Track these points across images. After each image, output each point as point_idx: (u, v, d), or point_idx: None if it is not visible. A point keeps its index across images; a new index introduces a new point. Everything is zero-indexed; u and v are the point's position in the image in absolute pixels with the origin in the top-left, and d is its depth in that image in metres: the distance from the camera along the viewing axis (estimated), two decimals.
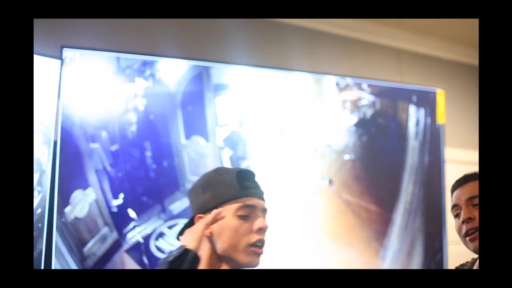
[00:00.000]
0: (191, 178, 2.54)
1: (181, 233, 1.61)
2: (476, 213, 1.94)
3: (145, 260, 2.37)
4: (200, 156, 2.58)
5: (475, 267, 1.99)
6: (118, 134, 2.37)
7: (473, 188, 2.00)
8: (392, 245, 2.75)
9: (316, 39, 3.45)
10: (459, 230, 1.97)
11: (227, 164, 2.61)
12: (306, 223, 2.61)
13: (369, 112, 2.95)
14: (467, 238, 1.93)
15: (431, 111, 3.17)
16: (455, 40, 4.17)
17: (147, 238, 2.39)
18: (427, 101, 3.17)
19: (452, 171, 3.85)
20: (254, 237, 1.56)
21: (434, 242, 2.92)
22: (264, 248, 1.59)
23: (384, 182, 2.83)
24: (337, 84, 2.91)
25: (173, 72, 2.52)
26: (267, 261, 2.56)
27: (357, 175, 2.74)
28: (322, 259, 2.62)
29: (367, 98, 2.96)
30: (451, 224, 3.30)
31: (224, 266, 1.56)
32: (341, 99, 2.90)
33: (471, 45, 4.30)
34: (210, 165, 2.55)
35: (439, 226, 2.99)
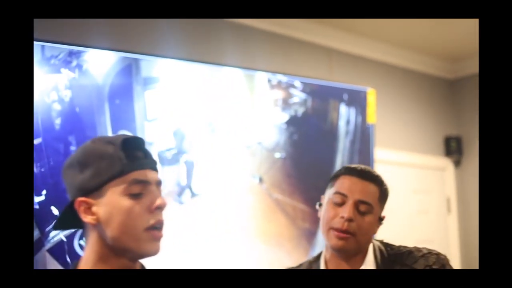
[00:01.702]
0: None
1: (56, 224, 1.41)
2: (357, 217, 1.98)
3: (68, 259, 2.34)
4: None
5: (307, 267, 2.03)
6: (41, 127, 2.33)
7: (368, 191, 2.04)
8: (321, 244, 2.82)
9: (248, 35, 3.49)
10: (330, 219, 1.97)
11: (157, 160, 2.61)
12: (235, 221, 2.64)
13: (300, 110, 3.01)
14: (335, 233, 1.97)
15: (362, 111, 3.27)
16: (386, 41, 4.31)
17: (70, 237, 2.36)
18: (358, 101, 3.27)
19: (381, 171, 3.98)
20: (152, 219, 1.35)
21: None
22: (164, 231, 1.37)
23: (315, 181, 2.89)
24: (269, 81, 2.96)
25: (101, 63, 2.50)
26: (195, 259, 2.58)
27: (288, 173, 2.80)
28: (252, 258, 2.66)
29: (298, 96, 3.03)
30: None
31: (119, 260, 1.34)
32: (272, 96, 2.95)
33: (402, 47, 4.45)
34: None
35: None
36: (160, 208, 1.35)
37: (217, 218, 2.67)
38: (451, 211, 4.92)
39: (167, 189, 2.64)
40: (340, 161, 3.00)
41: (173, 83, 2.69)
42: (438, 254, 2.08)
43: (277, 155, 2.76)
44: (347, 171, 2.05)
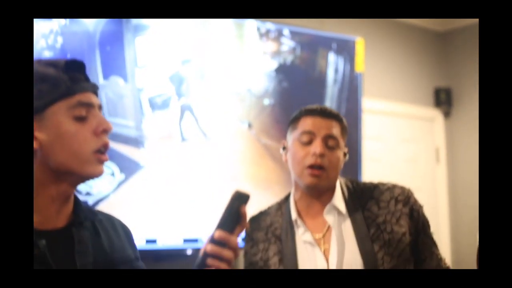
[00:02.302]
0: (109, 119, 2.60)
1: None
2: (329, 154, 2.08)
3: None
4: (118, 97, 2.64)
5: None
6: None
7: (332, 127, 2.13)
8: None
9: None
10: (302, 158, 2.07)
11: (147, 107, 2.68)
12: (224, 166, 2.72)
13: (289, 58, 3.07)
14: (308, 171, 2.07)
15: (350, 59, 3.33)
16: None
17: None
18: (346, 50, 3.33)
19: (369, 121, 4.07)
20: (98, 142, 1.35)
21: None
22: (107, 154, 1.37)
23: None
24: (258, 29, 3.01)
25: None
26: (189, 208, 2.66)
27: (276, 119, 2.87)
28: None
29: (287, 44, 3.09)
30: (366, 171, 3.52)
31: (60, 186, 1.34)
32: (261, 44, 3.01)
33: None
34: (128, 106, 2.62)
35: (355, 173, 3.18)
36: (106, 131, 1.35)
37: (206, 162, 2.75)
38: (440, 161, 5.02)
39: (158, 134, 2.71)
40: None
41: (163, 30, 2.74)
42: (402, 187, 2.20)
43: (266, 101, 2.83)
44: (308, 112, 2.14)
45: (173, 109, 2.72)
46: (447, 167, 5.08)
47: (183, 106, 2.74)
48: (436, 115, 5.03)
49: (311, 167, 2.03)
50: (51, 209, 1.36)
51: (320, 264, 2.10)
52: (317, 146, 2.03)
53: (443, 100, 5.04)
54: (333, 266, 2.08)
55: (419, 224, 2.15)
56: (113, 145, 2.63)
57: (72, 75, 1.33)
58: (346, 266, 2.09)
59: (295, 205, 2.16)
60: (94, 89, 1.38)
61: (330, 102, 3.11)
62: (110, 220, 1.54)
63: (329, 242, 2.11)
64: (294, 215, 2.15)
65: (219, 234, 1.41)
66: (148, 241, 2.70)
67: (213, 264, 1.40)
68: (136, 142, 2.68)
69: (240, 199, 1.45)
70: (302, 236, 2.13)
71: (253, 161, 2.78)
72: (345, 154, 2.13)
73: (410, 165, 4.71)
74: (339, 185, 2.16)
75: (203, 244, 1.45)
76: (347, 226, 2.11)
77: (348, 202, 2.13)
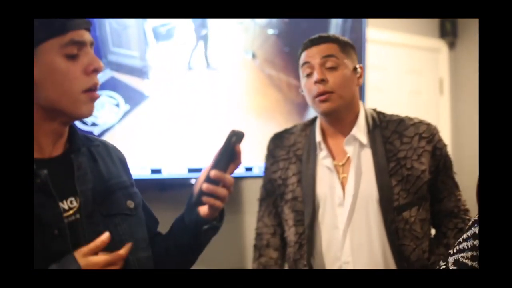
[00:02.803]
0: (114, 49, 2.60)
1: None
2: (330, 76, 2.09)
3: None
4: (122, 27, 2.64)
5: None
6: None
7: (325, 49, 2.14)
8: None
9: None
10: (309, 91, 2.11)
11: (151, 37, 2.68)
12: (229, 96, 2.75)
13: None
14: (317, 99, 2.10)
15: None
16: None
17: None
18: None
19: (373, 51, 4.06)
20: (89, 82, 1.35)
21: None
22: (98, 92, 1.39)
23: None
24: None
25: None
26: (193, 137, 2.69)
27: (280, 49, 2.87)
28: (246, 133, 2.78)
29: None
30: (369, 100, 3.54)
31: (51, 124, 1.37)
32: None
33: None
34: (132, 36, 2.62)
35: None
36: (97, 71, 1.36)
37: (210, 92, 2.77)
38: (443, 93, 5.03)
39: (163, 64, 2.72)
40: None
41: None
42: (429, 124, 2.21)
43: (270, 31, 2.83)
44: (304, 45, 2.16)
45: (178, 39, 2.72)
46: (450, 99, 5.09)
47: (199, 37, 2.73)
48: (441, 46, 5.01)
49: (318, 95, 2.06)
50: (46, 141, 1.38)
51: (337, 192, 2.14)
52: (315, 75, 2.05)
53: (449, 30, 5.00)
54: (349, 195, 2.13)
55: (440, 163, 2.18)
56: (118, 75, 2.65)
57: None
58: (362, 197, 2.12)
59: (321, 128, 2.20)
60: (87, 26, 1.37)
61: (334, 31, 3.10)
62: (106, 146, 1.57)
63: (347, 172, 2.15)
64: (318, 137, 2.19)
65: (214, 173, 1.45)
66: (153, 171, 2.75)
67: (208, 201, 1.46)
68: (140, 72, 2.70)
69: (235, 137, 1.48)
70: (323, 160, 2.17)
71: (257, 91, 2.81)
72: (355, 69, 2.13)
73: (413, 96, 4.73)
74: (363, 115, 2.17)
75: (197, 181, 1.52)
76: (367, 158, 2.14)
77: (371, 133, 2.15)
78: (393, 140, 2.15)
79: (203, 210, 1.49)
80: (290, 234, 2.23)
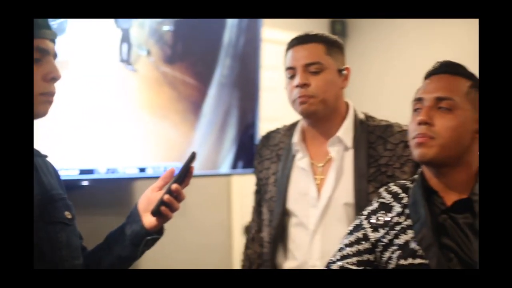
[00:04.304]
0: None
1: None
2: (312, 79, 2.09)
3: None
4: None
5: None
6: None
7: (311, 51, 2.12)
8: (206, 117, 2.94)
9: None
10: (290, 92, 2.13)
11: None
12: (122, 92, 2.68)
13: None
14: (297, 101, 2.11)
15: None
16: None
17: None
18: None
19: (268, 51, 4.10)
20: (47, 87, 1.49)
21: (247, 117, 3.15)
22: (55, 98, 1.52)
23: (203, 56, 2.96)
24: None
25: None
26: (84, 137, 2.60)
27: (176, 47, 2.84)
28: (139, 131, 2.73)
29: None
30: (264, 100, 3.57)
31: None
32: None
33: None
34: None
35: (253, 102, 3.23)
36: (55, 79, 1.49)
37: (103, 88, 2.70)
38: None
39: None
40: (228, 37, 3.07)
41: None
42: None
43: (166, 28, 2.79)
44: (290, 44, 2.16)
45: (72, 33, 2.62)
46: None
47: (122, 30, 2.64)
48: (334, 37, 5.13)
49: (299, 98, 2.06)
50: None
51: (311, 194, 2.12)
52: (297, 79, 2.05)
53: (339, 31, 5.15)
54: (324, 198, 2.10)
55: None
56: None
57: (37, 22, 1.44)
58: (337, 200, 2.10)
59: (301, 129, 2.18)
60: (53, 37, 1.51)
61: (229, 31, 3.11)
62: (41, 158, 1.66)
63: (326, 174, 2.12)
64: (296, 138, 2.17)
65: (176, 186, 1.64)
66: None
67: (165, 211, 1.64)
68: None
69: (194, 158, 1.69)
70: (299, 161, 2.15)
71: (150, 88, 2.76)
72: (340, 71, 2.11)
73: None
74: (352, 117, 2.15)
75: (145, 195, 1.72)
76: (349, 161, 2.11)
77: (356, 136, 2.12)
78: (377, 145, 2.10)
79: (150, 221, 1.67)
80: (265, 233, 2.23)
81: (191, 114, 2.88)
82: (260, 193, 2.33)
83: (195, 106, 2.89)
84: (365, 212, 1.83)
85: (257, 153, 2.36)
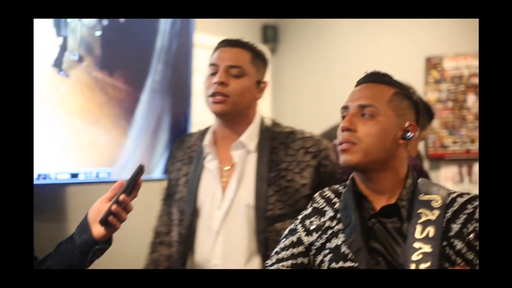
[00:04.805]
0: None
1: None
2: (232, 81, 2.16)
3: None
4: None
5: None
6: None
7: (238, 56, 2.19)
8: (138, 123, 2.94)
9: None
10: (207, 88, 2.19)
11: None
12: (52, 99, 2.67)
13: None
14: (211, 99, 2.18)
15: None
16: None
17: None
18: None
19: (200, 56, 4.13)
20: None
21: (179, 122, 3.18)
22: None
23: (134, 61, 2.97)
24: None
25: None
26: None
27: (108, 52, 2.84)
28: (70, 137, 2.71)
29: None
30: (196, 106, 3.61)
31: None
32: None
33: None
34: None
35: (185, 107, 3.26)
36: None
37: (34, 94, 2.67)
38: (265, 97, 5.24)
39: None
40: (160, 43, 3.09)
41: None
42: (319, 141, 2.29)
43: (98, 33, 2.79)
44: (219, 44, 2.23)
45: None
46: (271, 101, 5.33)
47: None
48: (263, 51, 5.20)
49: (213, 95, 2.12)
50: None
51: (217, 195, 2.18)
52: (217, 76, 2.10)
53: (270, 36, 5.24)
54: (227, 200, 2.18)
55: (324, 179, 2.24)
56: None
57: None
58: (239, 203, 2.18)
59: (213, 132, 2.24)
60: None
61: (162, 36, 3.13)
62: None
63: (231, 177, 2.19)
64: (206, 140, 2.24)
65: (124, 197, 1.70)
66: None
67: (112, 221, 1.70)
68: None
69: (142, 171, 1.76)
70: (208, 163, 2.21)
71: (82, 94, 2.76)
72: (259, 82, 2.18)
73: None
74: (258, 124, 2.22)
75: (95, 206, 1.76)
76: (251, 165, 2.19)
77: (260, 142, 2.20)
78: (279, 150, 2.21)
79: (99, 231, 1.71)
80: (175, 234, 2.26)
81: (123, 120, 2.88)
82: (170, 194, 2.38)
83: (127, 111, 2.89)
84: (299, 217, 1.90)
85: (171, 155, 2.44)
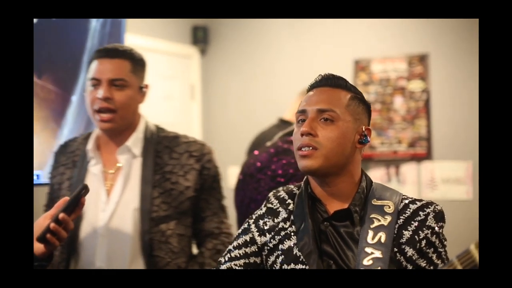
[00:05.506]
0: None
1: None
2: (115, 94, 2.18)
3: None
4: None
5: None
6: None
7: (118, 67, 2.19)
8: (69, 125, 2.89)
9: None
10: (91, 102, 2.18)
11: None
12: None
13: None
14: (97, 115, 2.19)
15: None
16: None
17: None
18: None
19: None
20: None
21: None
22: None
23: (64, 63, 2.92)
24: None
25: None
26: None
27: (37, 53, 2.77)
28: None
29: None
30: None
31: None
32: None
33: None
34: None
35: None
36: None
37: None
38: (194, 98, 5.25)
39: None
40: (90, 43, 3.04)
41: None
42: (203, 145, 2.34)
43: None
44: (97, 54, 2.20)
45: None
46: (201, 103, 5.33)
47: None
48: (193, 52, 5.22)
49: (99, 111, 2.11)
50: None
51: (102, 198, 2.19)
52: (101, 91, 2.09)
53: (200, 38, 5.23)
54: (112, 203, 2.19)
55: (207, 182, 2.30)
56: None
57: None
58: (124, 205, 2.21)
59: (96, 138, 2.22)
60: None
61: (92, 36, 3.09)
62: None
63: (115, 180, 2.20)
64: (90, 145, 2.23)
65: (63, 216, 1.71)
66: None
67: (51, 239, 1.69)
68: None
69: (85, 190, 1.80)
70: (92, 167, 2.20)
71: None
72: (141, 88, 2.20)
73: (166, 102, 4.87)
74: (142, 128, 2.24)
75: (38, 222, 1.74)
76: (137, 168, 2.21)
77: (145, 146, 2.22)
78: (163, 154, 2.26)
79: (38, 248, 1.69)
80: None
81: (53, 122, 2.83)
82: (53, 199, 2.37)
83: (57, 113, 2.84)
84: (253, 216, 1.91)
85: (53, 159, 2.43)
